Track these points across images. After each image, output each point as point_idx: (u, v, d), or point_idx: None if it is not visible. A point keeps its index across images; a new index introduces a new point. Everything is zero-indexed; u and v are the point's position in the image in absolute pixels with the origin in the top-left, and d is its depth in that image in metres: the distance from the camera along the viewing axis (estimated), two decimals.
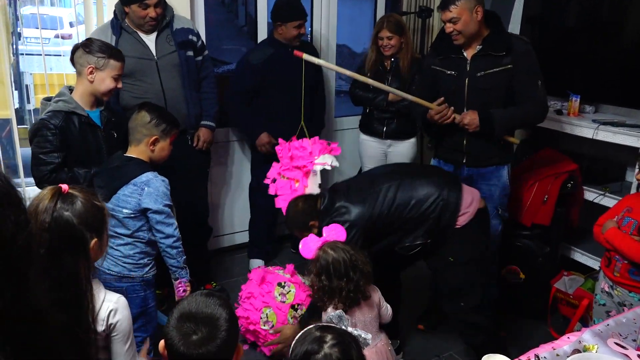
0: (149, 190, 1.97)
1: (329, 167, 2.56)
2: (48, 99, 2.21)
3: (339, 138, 3.69)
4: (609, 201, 2.73)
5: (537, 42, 3.28)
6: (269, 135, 3.02)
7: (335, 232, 1.93)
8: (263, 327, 2.39)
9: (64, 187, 1.35)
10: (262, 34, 3.35)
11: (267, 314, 2.41)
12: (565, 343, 1.47)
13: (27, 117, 3.33)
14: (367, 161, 3.25)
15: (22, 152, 2.89)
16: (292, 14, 2.93)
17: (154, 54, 2.56)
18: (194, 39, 2.68)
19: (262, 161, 3.06)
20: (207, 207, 3.07)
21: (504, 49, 2.35)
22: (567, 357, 1.38)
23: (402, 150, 3.17)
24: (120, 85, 2.19)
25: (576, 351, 1.41)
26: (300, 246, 1.93)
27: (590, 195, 2.83)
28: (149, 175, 1.99)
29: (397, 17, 3.05)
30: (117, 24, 2.53)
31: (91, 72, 2.10)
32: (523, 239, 2.81)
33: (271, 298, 2.42)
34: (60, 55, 3.48)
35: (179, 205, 2.20)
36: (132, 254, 2.02)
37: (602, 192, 2.77)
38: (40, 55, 2.85)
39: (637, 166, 2.04)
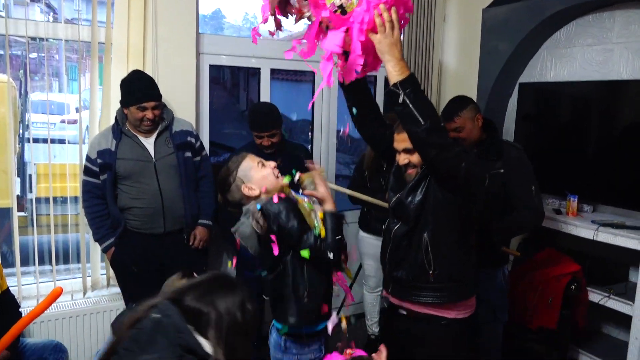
0: None
1: None
2: None
3: None
4: (614, 303, 2.70)
5: (533, 140, 3.34)
6: None
7: None
8: None
9: None
10: None
11: None
12: None
13: (27, 206, 3.31)
14: (368, 259, 3.20)
15: (21, 240, 2.86)
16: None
17: (153, 156, 2.62)
18: (193, 140, 2.75)
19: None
20: None
21: (495, 154, 2.42)
22: None
23: None
24: None
25: None
26: None
27: (596, 296, 2.79)
28: None
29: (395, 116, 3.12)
30: (117, 129, 2.62)
31: None
32: (530, 342, 2.74)
33: None
34: (64, 142, 3.53)
35: None
36: None
37: (607, 294, 2.74)
38: (45, 142, 2.88)
39: None
